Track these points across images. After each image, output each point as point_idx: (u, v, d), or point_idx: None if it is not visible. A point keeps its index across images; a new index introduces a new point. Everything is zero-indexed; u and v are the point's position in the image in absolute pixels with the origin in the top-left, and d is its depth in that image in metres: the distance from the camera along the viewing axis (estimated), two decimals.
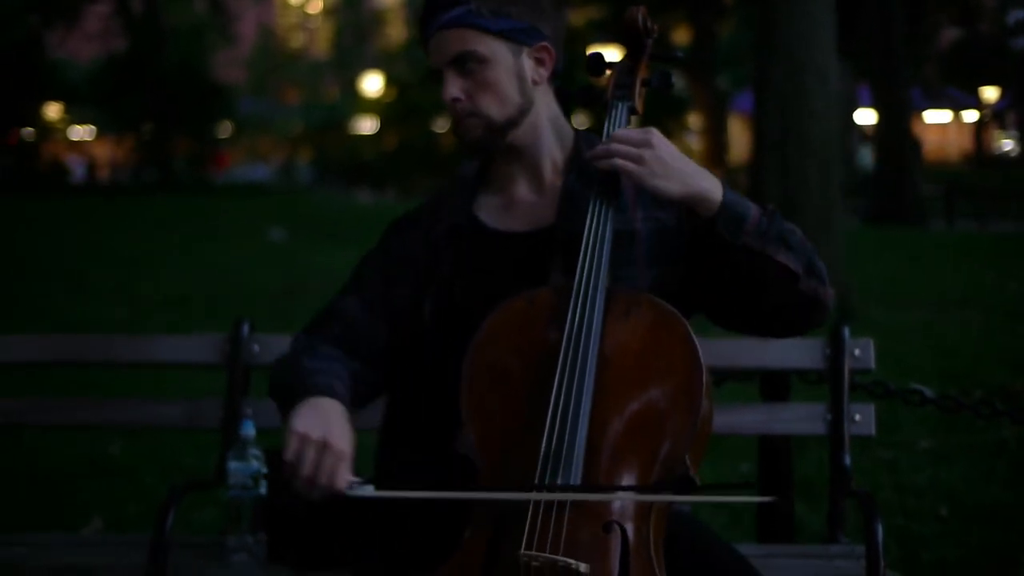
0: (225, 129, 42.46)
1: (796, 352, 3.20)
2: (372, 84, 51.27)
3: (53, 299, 10.84)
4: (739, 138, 42.49)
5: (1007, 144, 48.12)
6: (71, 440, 6.08)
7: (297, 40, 61.90)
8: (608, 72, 2.54)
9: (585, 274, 2.28)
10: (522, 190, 2.52)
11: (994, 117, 47.44)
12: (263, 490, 3.05)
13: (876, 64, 22.13)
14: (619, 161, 2.25)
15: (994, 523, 4.67)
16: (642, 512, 2.17)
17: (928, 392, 3.65)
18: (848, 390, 3.15)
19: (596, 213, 2.34)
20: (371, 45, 53.88)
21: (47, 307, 10.07)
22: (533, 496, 2.13)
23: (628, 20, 2.50)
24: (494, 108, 2.42)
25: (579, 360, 2.21)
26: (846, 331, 3.18)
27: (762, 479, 3.52)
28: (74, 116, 45.81)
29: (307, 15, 62.23)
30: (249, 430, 3.06)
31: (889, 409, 6.08)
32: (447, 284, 2.46)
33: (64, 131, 46.17)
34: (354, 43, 54.07)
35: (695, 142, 43.82)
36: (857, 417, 3.16)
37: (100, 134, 47.79)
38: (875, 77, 22.58)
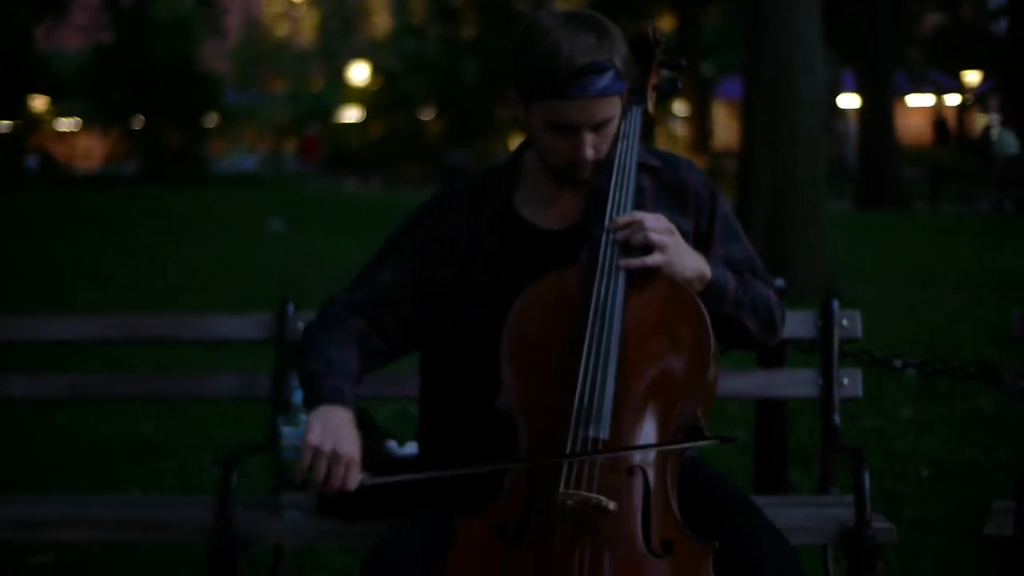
0: (212, 120, 42.59)
1: (791, 323, 3.51)
2: (359, 73, 51.44)
3: (68, 290, 11.09)
4: (723, 125, 42.79)
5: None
6: (104, 420, 6.42)
7: (282, 30, 61.96)
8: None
9: (608, 253, 2.62)
10: (561, 190, 2.79)
11: (977, 101, 47.80)
12: None
13: (861, 49, 22.42)
14: (654, 259, 2.59)
15: (970, 481, 5.05)
16: (660, 460, 2.53)
17: (909, 359, 4.01)
18: (838, 357, 3.51)
19: (616, 202, 2.67)
20: (357, 35, 53.99)
21: (64, 298, 10.30)
22: (518, 467, 2.53)
23: (640, 34, 2.85)
24: (607, 149, 2.70)
25: (605, 327, 2.55)
26: (835, 304, 3.53)
27: (759, 439, 3.88)
28: (60, 109, 45.87)
29: (292, 4, 62.29)
30: (299, 398, 3.39)
31: (875, 381, 6.49)
32: (491, 271, 2.77)
33: (51, 123, 46.23)
34: (340, 32, 54.16)
35: (679, 128, 44.09)
36: (845, 381, 3.51)
37: (85, 126, 47.87)
38: (859, 62, 22.88)
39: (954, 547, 4.45)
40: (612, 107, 2.63)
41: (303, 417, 3.38)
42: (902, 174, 22.69)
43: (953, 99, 46.75)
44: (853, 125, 30.60)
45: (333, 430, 2.59)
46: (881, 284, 11.18)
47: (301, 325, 3.67)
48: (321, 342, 2.76)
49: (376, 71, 48.49)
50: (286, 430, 3.37)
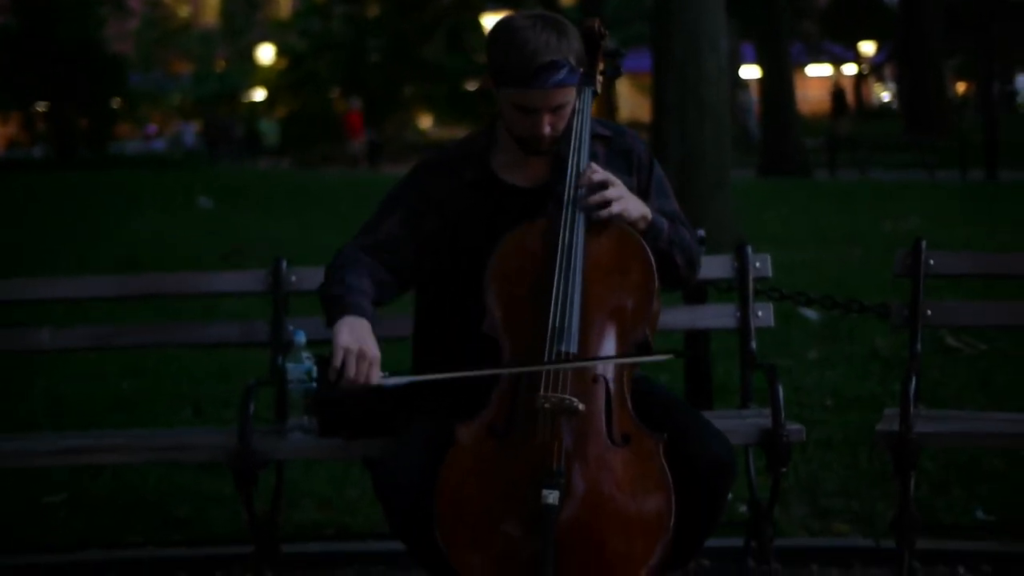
0: (117, 102, 42.36)
1: (711, 266, 4.14)
2: (264, 54, 51.43)
3: (9, 268, 11.45)
4: (627, 96, 43.51)
5: (885, 96, 49.88)
6: (82, 383, 6.92)
7: (184, 10, 61.54)
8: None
9: (570, 203, 3.28)
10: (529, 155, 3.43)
11: (873, 71, 49.11)
12: (315, 384, 3.95)
13: (759, 21, 23.15)
14: (614, 208, 3.24)
15: (867, 409, 5.75)
16: (618, 371, 3.21)
17: (813, 295, 4.70)
18: (753, 293, 4.16)
19: (574, 163, 3.33)
20: (261, 14, 53.87)
21: (8, 274, 10.64)
22: (505, 372, 3.16)
23: (588, 29, 3.50)
24: (563, 126, 3.34)
25: (571, 263, 3.22)
26: (749, 248, 4.18)
27: (688, 366, 4.55)
28: None
29: None
30: (301, 338, 3.96)
31: (784, 328, 7.21)
32: (476, 224, 3.39)
33: None
34: (243, 12, 54.00)
35: None
36: (760, 313, 4.14)
37: None
38: (759, 34, 23.64)
39: (853, 461, 5.19)
40: (567, 94, 3.29)
41: (305, 355, 3.98)
42: (803, 143, 23.54)
43: (850, 69, 47.91)
44: (755, 96, 31.42)
45: (359, 334, 3.21)
46: (784, 245, 11.92)
47: (294, 278, 4.24)
48: (339, 273, 3.37)
49: (281, 51, 48.53)
50: (290, 366, 3.93)
